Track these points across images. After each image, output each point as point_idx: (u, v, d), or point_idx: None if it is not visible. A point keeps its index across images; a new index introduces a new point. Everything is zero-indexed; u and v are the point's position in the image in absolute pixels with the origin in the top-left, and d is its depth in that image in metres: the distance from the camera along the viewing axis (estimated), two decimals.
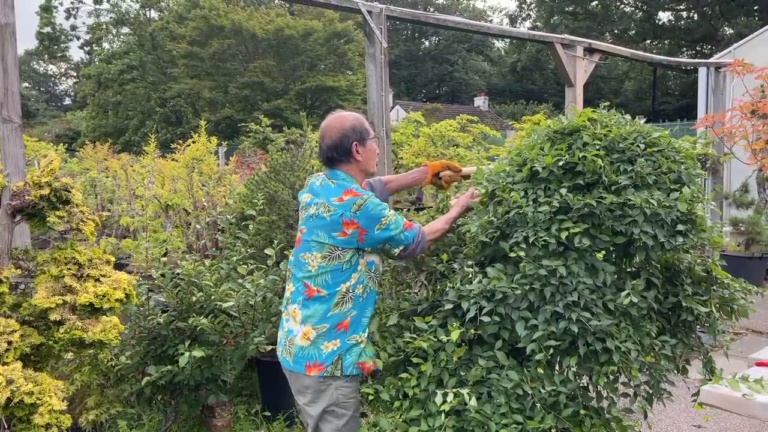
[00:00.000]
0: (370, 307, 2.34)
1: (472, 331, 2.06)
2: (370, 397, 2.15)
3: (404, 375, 2.10)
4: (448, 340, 2.05)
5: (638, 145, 2.12)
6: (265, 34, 27.29)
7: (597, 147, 2.11)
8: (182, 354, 3.07)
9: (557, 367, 2.11)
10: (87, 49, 41.76)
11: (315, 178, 2.45)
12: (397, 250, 2.32)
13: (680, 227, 2.01)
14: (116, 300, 2.56)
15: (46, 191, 2.52)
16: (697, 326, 2.28)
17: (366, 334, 2.32)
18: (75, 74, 46.77)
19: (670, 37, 29.56)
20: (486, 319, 2.02)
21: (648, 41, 29.80)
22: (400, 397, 2.10)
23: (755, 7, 26.01)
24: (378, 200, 2.32)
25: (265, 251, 3.56)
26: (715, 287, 2.25)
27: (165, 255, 4.89)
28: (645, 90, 32.10)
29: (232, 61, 29.03)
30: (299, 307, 2.32)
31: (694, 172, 2.12)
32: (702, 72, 8.66)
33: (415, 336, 2.13)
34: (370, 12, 5.00)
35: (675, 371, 2.27)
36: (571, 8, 31.14)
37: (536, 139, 2.30)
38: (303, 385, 2.32)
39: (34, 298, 2.49)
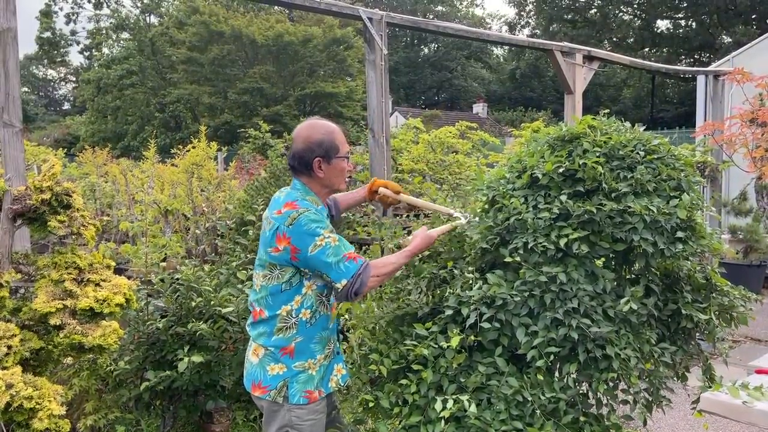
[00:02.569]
0: (319, 331, 2.19)
1: (472, 337, 2.06)
2: (370, 404, 2.15)
3: (404, 381, 2.09)
4: (448, 347, 2.05)
5: (638, 153, 2.13)
6: (265, 40, 27.35)
7: (597, 154, 2.12)
8: (181, 359, 3.07)
9: (557, 374, 2.11)
10: (87, 54, 41.94)
11: (281, 191, 2.28)
12: (339, 285, 2.06)
13: (680, 234, 2.01)
14: (116, 305, 2.56)
15: (47, 195, 2.52)
16: (697, 333, 2.28)
17: (317, 360, 2.19)
18: (74, 79, 46.85)
19: (669, 45, 29.67)
20: (486, 325, 2.02)
21: (646, 49, 29.91)
22: (400, 403, 2.09)
23: (753, 16, 26.13)
24: (316, 216, 2.10)
25: None
26: (714, 294, 2.25)
27: (164, 260, 4.89)
28: (643, 97, 32.21)
29: (232, 67, 29.08)
30: (249, 327, 2.28)
31: (693, 180, 2.13)
32: (700, 80, 8.71)
33: (416, 343, 2.13)
34: (370, 19, 5.02)
35: (674, 378, 2.27)
36: (570, 16, 31.28)
37: (536, 146, 2.31)
38: (259, 404, 2.24)
39: (34, 303, 2.48)
